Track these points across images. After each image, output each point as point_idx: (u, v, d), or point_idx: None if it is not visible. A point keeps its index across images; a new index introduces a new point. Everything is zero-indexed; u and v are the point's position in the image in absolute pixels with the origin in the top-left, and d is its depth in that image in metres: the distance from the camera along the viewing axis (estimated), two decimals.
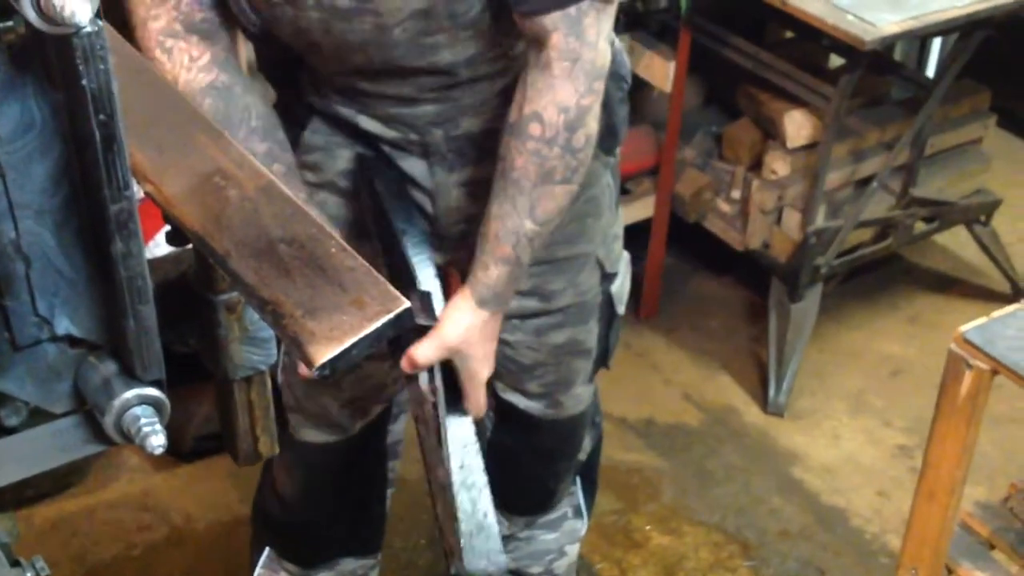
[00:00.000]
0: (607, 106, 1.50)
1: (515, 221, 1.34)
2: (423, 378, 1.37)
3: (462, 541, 1.31)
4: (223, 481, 2.37)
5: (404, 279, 1.37)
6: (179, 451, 2.38)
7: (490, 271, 1.36)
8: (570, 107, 1.31)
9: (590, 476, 1.98)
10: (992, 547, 1.62)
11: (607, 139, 1.54)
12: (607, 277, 1.66)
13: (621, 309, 1.73)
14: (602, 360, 1.76)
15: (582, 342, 1.69)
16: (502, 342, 1.61)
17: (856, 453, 2.62)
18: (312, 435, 1.66)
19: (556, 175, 1.34)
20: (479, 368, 1.41)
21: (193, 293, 0.87)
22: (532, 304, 1.61)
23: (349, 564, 1.83)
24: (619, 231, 1.69)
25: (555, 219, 1.38)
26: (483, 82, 1.41)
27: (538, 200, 1.34)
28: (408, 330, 1.31)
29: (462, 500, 1.32)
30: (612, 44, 1.49)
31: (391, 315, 0.68)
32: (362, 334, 0.66)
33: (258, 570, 1.85)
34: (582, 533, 1.98)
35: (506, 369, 1.67)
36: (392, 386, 1.68)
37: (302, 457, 1.69)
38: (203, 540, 2.28)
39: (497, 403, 1.78)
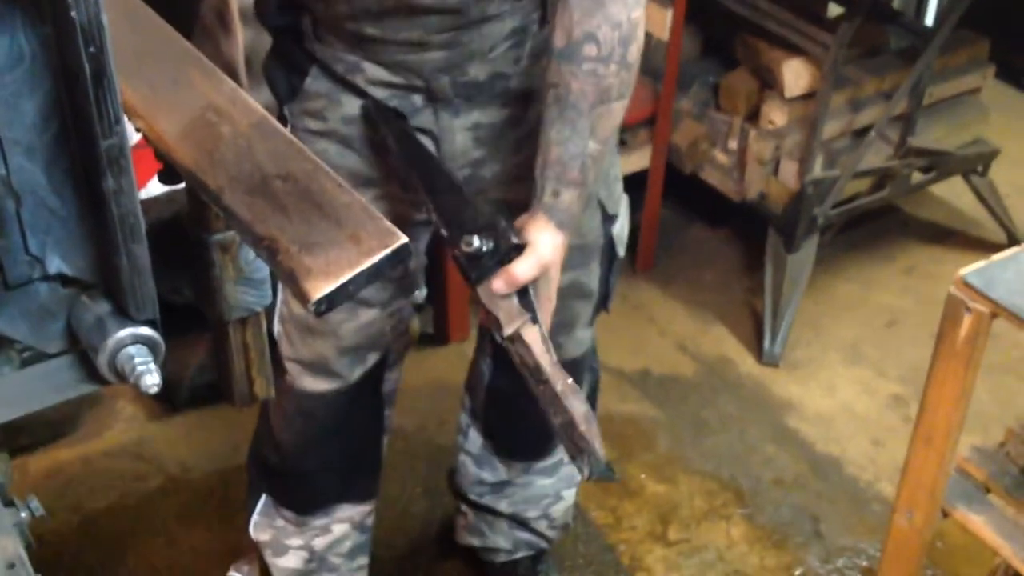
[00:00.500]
0: None
1: (578, 144, 1.33)
2: (513, 299, 1.34)
3: (595, 442, 1.31)
4: (218, 430, 2.37)
5: (467, 213, 1.36)
6: (174, 401, 2.38)
7: (562, 196, 1.34)
8: (622, 22, 1.31)
9: None
10: (988, 491, 1.62)
11: None
12: (608, 219, 1.65)
13: (621, 251, 1.73)
14: (603, 303, 1.76)
15: (584, 284, 1.69)
16: None
17: (851, 403, 2.62)
18: (310, 383, 1.66)
19: (613, 92, 1.33)
20: (554, 291, 1.39)
21: (187, 234, 0.86)
22: None
23: (346, 511, 1.84)
24: (618, 173, 1.69)
25: (614, 136, 1.38)
26: (492, 23, 1.41)
27: (598, 120, 1.33)
28: (488, 255, 1.31)
29: (580, 405, 1.33)
30: None
31: (388, 250, 0.67)
32: (359, 269, 0.66)
33: (255, 517, 1.85)
34: (579, 478, 1.98)
35: None
36: (390, 334, 1.67)
37: (299, 405, 1.69)
38: (198, 489, 2.28)
39: (495, 347, 1.77)
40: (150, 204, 0.86)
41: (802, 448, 2.50)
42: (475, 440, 1.94)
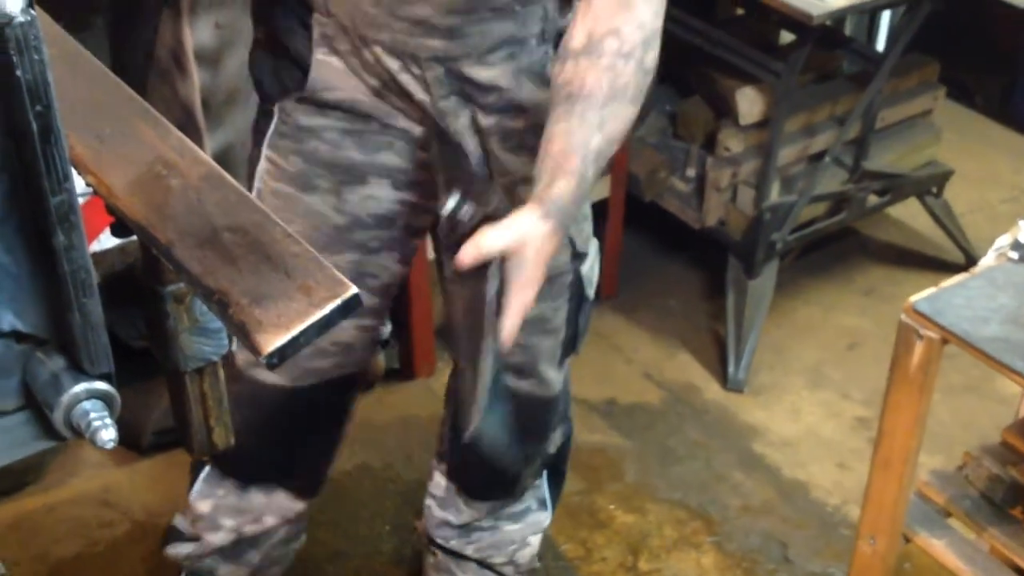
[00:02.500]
0: None
1: (584, 134, 1.27)
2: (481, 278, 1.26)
3: (476, 417, 1.28)
4: (184, 474, 2.35)
5: (466, 177, 1.37)
6: (138, 446, 2.36)
7: (555, 185, 1.25)
8: (646, 23, 1.30)
9: (558, 469, 1.98)
10: (948, 515, 1.64)
11: None
12: (577, 256, 1.65)
13: (591, 293, 1.72)
14: (571, 344, 1.75)
15: (548, 319, 1.68)
16: None
17: (816, 426, 2.64)
18: (264, 375, 1.63)
19: (629, 92, 1.30)
20: (529, 283, 1.25)
21: (140, 285, 0.86)
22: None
23: (282, 499, 1.83)
24: (588, 212, 1.69)
25: (619, 141, 1.32)
26: (493, 22, 1.40)
27: (608, 117, 1.28)
28: (465, 219, 1.26)
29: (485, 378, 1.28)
30: None
31: (339, 300, 0.67)
32: (310, 321, 0.66)
33: (197, 485, 1.84)
34: (546, 524, 1.99)
35: None
36: (361, 352, 1.67)
37: (251, 395, 1.65)
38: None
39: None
40: (103, 256, 0.86)
41: (769, 473, 2.51)
42: (439, 482, 1.94)
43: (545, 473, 1.94)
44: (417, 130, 1.53)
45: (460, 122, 1.49)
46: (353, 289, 0.68)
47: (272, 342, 0.65)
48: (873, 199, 2.94)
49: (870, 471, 1.57)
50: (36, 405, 0.81)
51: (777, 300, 2.82)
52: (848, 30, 3.40)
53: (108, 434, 0.78)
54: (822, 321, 2.94)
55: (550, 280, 1.60)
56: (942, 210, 3.05)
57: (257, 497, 1.83)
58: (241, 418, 1.72)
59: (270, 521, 1.85)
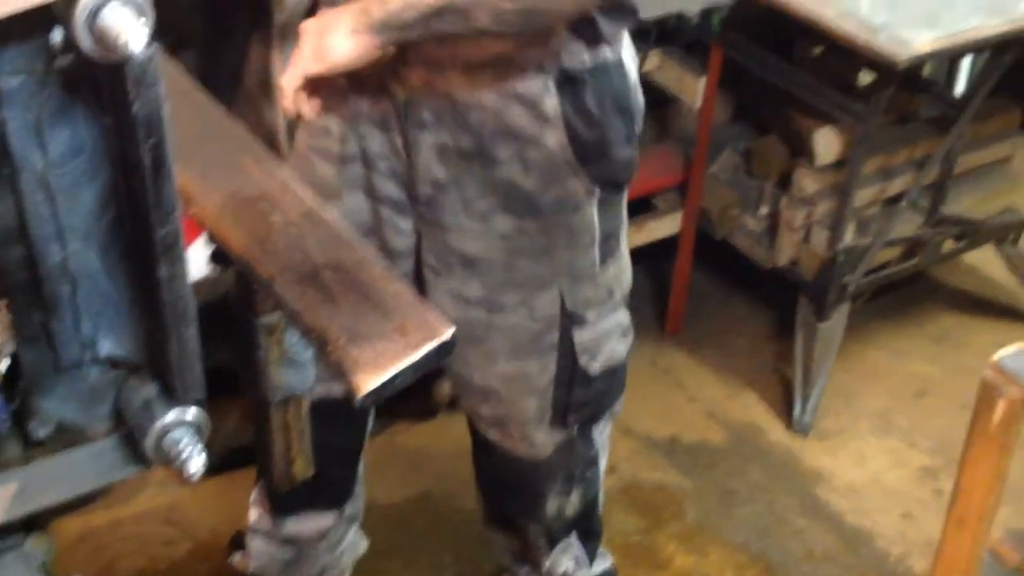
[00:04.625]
0: (604, 136, 1.48)
1: None
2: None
3: None
4: (248, 495, 2.37)
5: None
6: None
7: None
8: None
9: (589, 528, 1.90)
10: (1021, 574, 1.60)
11: (601, 169, 1.51)
12: (569, 316, 1.58)
13: (592, 367, 1.63)
14: (561, 416, 1.67)
15: (531, 378, 1.62)
16: (459, 361, 1.61)
17: (881, 474, 2.59)
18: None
19: None
20: (300, 55, 1.33)
21: (233, 315, 0.87)
22: (479, 315, 1.57)
23: (311, 518, 1.86)
24: (599, 278, 1.60)
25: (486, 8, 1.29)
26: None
27: None
28: None
29: None
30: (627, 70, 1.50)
31: (435, 342, 0.67)
32: (406, 362, 0.66)
33: (256, 488, 1.92)
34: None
35: (464, 389, 1.68)
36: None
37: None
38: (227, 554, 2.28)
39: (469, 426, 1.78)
40: (199, 285, 0.87)
41: (832, 520, 2.47)
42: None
43: (574, 534, 1.87)
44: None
45: (424, 144, 1.46)
46: (450, 330, 0.68)
47: (369, 383, 0.66)
48: (949, 244, 2.89)
49: (944, 528, 1.53)
50: (125, 430, 0.83)
51: (846, 343, 2.78)
52: (927, 72, 3.36)
53: (196, 464, 0.79)
54: (891, 367, 2.89)
55: (530, 331, 1.58)
56: (1018, 258, 3.00)
57: (290, 523, 1.86)
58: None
59: (308, 534, 1.88)
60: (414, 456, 2.50)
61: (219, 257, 0.80)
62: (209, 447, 2.31)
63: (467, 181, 1.49)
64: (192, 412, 0.79)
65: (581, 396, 1.66)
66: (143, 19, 0.62)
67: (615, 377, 1.69)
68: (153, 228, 0.70)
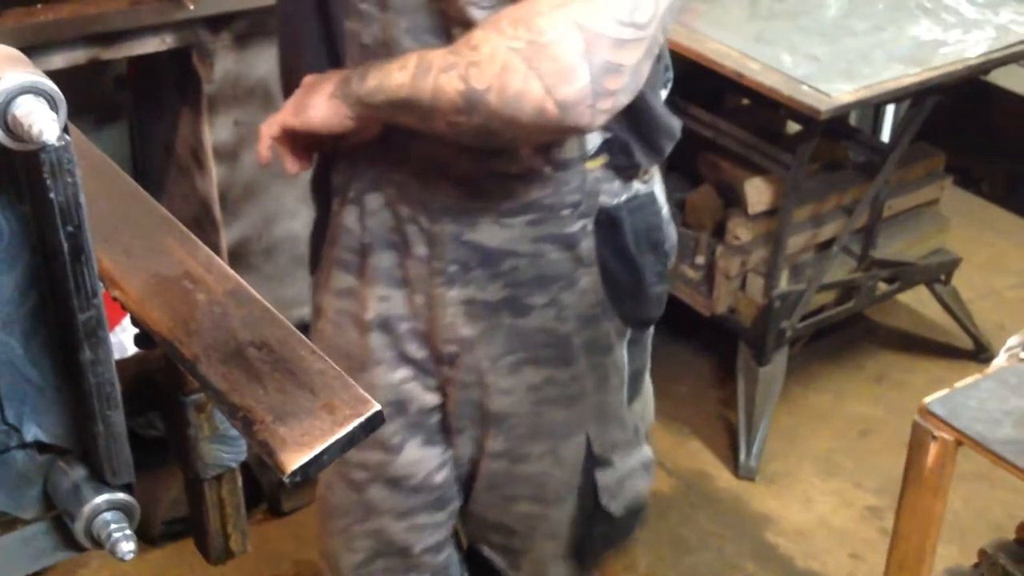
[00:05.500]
0: (638, 275, 1.39)
1: (424, 74, 1.16)
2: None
3: None
4: (194, 565, 2.34)
5: None
6: (148, 535, 2.35)
7: (362, 69, 1.23)
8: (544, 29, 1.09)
9: None
10: None
11: (634, 308, 1.42)
12: (594, 459, 1.49)
13: (614, 507, 1.54)
14: (578, 553, 1.59)
15: (551, 521, 1.55)
16: (472, 502, 1.53)
17: (828, 515, 2.62)
18: None
19: (497, 60, 1.11)
20: (289, 100, 1.31)
21: (161, 393, 0.87)
22: (500, 466, 1.49)
23: None
24: (626, 418, 1.52)
25: (446, 102, 1.16)
26: (517, 183, 1.31)
27: (466, 71, 1.13)
28: None
29: None
30: (655, 200, 1.40)
31: (362, 418, 0.68)
32: (333, 439, 0.67)
33: None
34: None
35: (474, 520, 1.59)
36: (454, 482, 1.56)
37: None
38: None
39: (468, 553, 1.67)
40: (124, 364, 0.87)
41: (782, 563, 2.48)
42: None
43: None
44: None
45: (450, 302, 1.37)
46: (376, 407, 0.68)
47: (295, 460, 0.66)
48: (882, 287, 2.95)
49: (885, 570, 1.55)
50: (55, 515, 0.82)
51: (788, 387, 2.82)
52: (854, 120, 3.44)
53: (128, 546, 0.78)
54: (833, 408, 2.93)
55: (556, 483, 1.49)
56: (951, 297, 3.06)
57: None
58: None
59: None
60: None
61: (143, 340, 0.80)
62: (152, 518, 2.28)
63: (495, 336, 1.39)
64: (121, 495, 0.78)
65: (601, 534, 1.59)
66: (56, 110, 0.63)
67: (636, 514, 1.62)
68: (75, 313, 0.70)
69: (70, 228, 0.68)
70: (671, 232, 1.46)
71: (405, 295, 1.40)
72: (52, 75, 0.65)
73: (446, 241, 1.33)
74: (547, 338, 1.39)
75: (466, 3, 1.18)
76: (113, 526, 0.78)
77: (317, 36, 1.31)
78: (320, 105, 1.25)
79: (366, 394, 0.68)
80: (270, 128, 1.31)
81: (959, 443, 1.36)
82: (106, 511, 0.78)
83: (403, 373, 1.46)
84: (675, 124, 1.38)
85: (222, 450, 0.88)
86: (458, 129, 1.17)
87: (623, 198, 1.35)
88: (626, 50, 1.09)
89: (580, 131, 1.18)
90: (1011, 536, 1.66)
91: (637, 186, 1.37)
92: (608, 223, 1.35)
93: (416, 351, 1.44)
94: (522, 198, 1.30)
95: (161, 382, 0.87)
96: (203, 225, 2.05)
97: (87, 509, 0.78)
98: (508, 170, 1.29)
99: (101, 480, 0.79)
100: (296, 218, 2.19)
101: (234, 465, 0.90)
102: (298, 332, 0.73)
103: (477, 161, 1.28)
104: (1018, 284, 3.42)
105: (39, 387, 0.76)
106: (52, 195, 0.66)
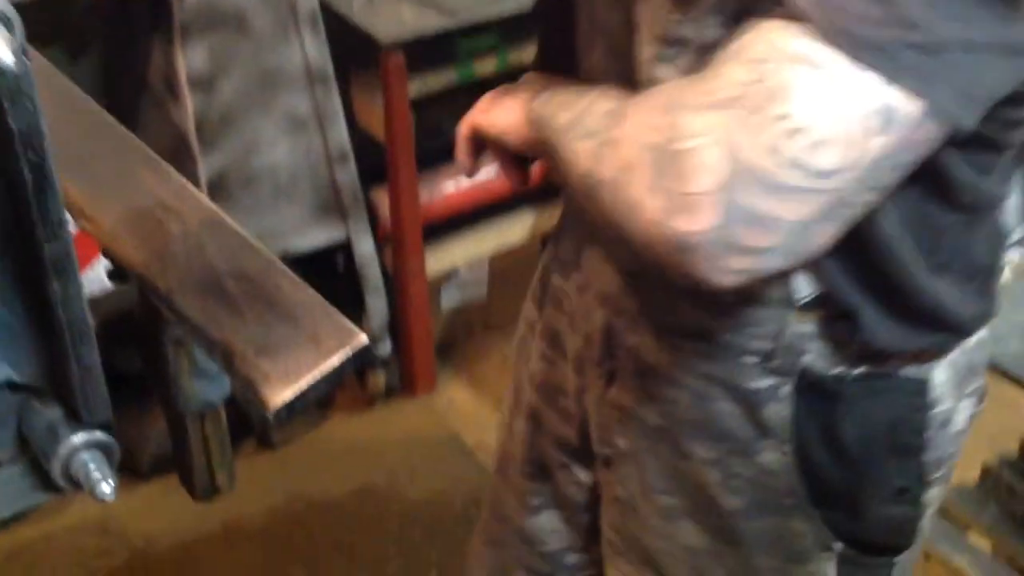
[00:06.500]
0: (858, 482, 1.01)
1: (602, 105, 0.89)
2: None
3: None
4: (183, 499, 2.32)
5: None
6: (137, 470, 2.34)
7: (555, 106, 0.96)
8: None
9: None
10: (967, 528, 1.62)
11: (846, 521, 1.04)
12: None
13: None
14: None
15: None
16: None
17: None
18: None
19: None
20: (469, 120, 1.10)
21: (138, 329, 0.84)
22: None
23: None
24: None
25: (581, 167, 0.88)
26: (686, 304, 1.00)
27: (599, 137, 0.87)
28: None
29: None
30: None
31: (349, 350, 0.65)
32: (319, 372, 0.63)
33: None
34: None
35: None
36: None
37: None
38: (166, 561, 2.23)
39: None
40: (100, 301, 0.84)
41: None
42: None
43: None
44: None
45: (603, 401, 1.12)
46: (362, 336, 0.65)
47: (281, 396, 0.63)
48: None
49: None
50: (33, 456, 0.79)
51: None
52: None
53: (107, 487, 0.75)
54: None
55: None
56: None
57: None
58: None
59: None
60: (352, 448, 2.48)
61: (117, 274, 0.77)
62: (140, 453, 2.26)
63: (649, 463, 1.09)
64: (99, 434, 0.76)
65: None
66: (11, 31, 0.59)
67: None
68: (41, 245, 0.67)
69: (32, 156, 0.64)
70: (943, 442, 1.03)
71: (566, 368, 1.19)
72: (19, 6, 0.61)
73: (602, 332, 1.09)
74: (710, 501, 1.06)
75: (649, 44, 0.89)
76: (91, 466, 0.75)
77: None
78: (507, 108, 1.04)
79: (351, 324, 0.65)
80: (463, 126, 1.10)
81: None
82: (83, 451, 0.75)
83: (549, 447, 1.27)
84: (973, 310, 0.98)
85: (204, 386, 0.86)
86: (577, 183, 0.90)
87: (856, 370, 0.97)
88: (787, 201, 0.76)
89: (699, 284, 0.81)
90: (1012, 449, 1.65)
91: (894, 364, 0.98)
92: (818, 395, 0.98)
93: (565, 431, 1.22)
94: (691, 319, 1.00)
95: (138, 317, 0.84)
96: (180, 157, 1.99)
97: (63, 449, 0.75)
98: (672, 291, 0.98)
99: (77, 419, 0.76)
100: (276, 148, 2.14)
101: (217, 402, 0.88)
102: (278, 262, 0.70)
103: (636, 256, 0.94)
104: None
105: (8, 325, 0.73)
106: (11, 122, 0.63)
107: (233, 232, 0.71)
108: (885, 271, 0.90)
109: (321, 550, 2.19)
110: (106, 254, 0.76)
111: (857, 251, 0.88)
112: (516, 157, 1.10)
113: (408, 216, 2.35)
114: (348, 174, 2.24)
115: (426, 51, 2.24)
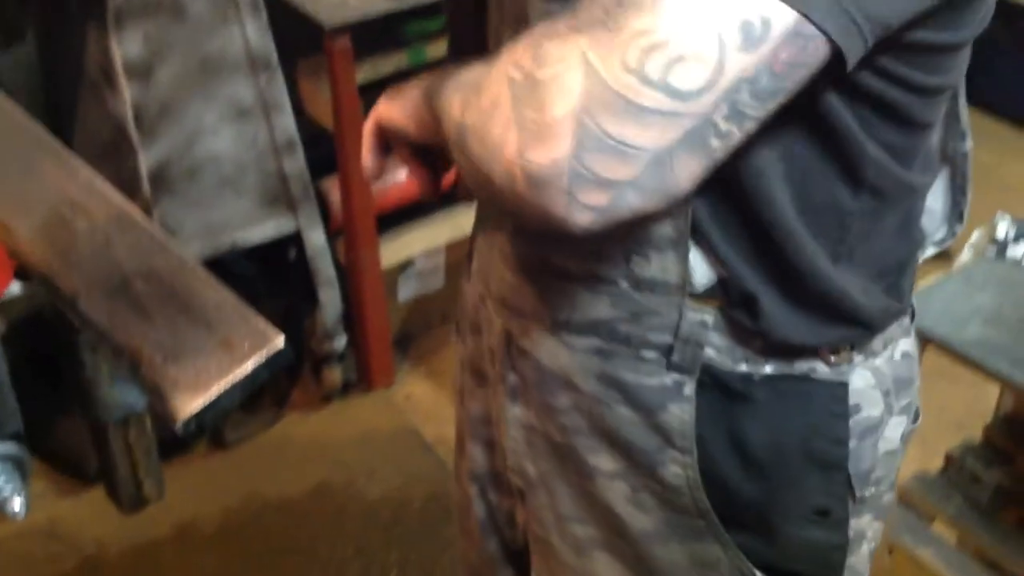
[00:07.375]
0: (770, 497, 0.92)
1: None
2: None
3: None
4: None
5: None
6: (84, 474, 2.27)
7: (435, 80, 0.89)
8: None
9: None
10: (932, 519, 1.60)
11: (760, 544, 0.94)
12: None
13: None
14: None
15: None
16: None
17: None
18: None
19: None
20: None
21: (52, 333, 0.79)
22: None
23: None
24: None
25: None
26: (583, 291, 0.94)
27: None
28: None
29: None
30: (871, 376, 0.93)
31: (264, 352, 0.60)
32: (231, 378, 0.59)
33: None
34: None
35: None
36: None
37: None
38: (117, 567, 2.17)
39: None
40: (9, 304, 0.78)
41: None
42: None
43: None
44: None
45: (511, 421, 1.04)
46: (279, 338, 0.61)
47: (189, 405, 0.58)
48: None
49: None
50: None
51: None
52: None
53: (18, 503, 0.71)
54: None
55: None
56: None
57: None
58: None
59: None
60: (309, 446, 2.43)
61: (22, 273, 0.72)
62: (87, 456, 2.19)
63: (558, 489, 1.01)
64: (8, 446, 0.71)
65: None
66: None
67: None
68: None
69: None
70: (868, 456, 0.93)
71: (481, 392, 1.12)
72: None
73: (501, 340, 1.01)
74: (621, 527, 0.97)
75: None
76: (1, 479, 0.71)
77: None
78: (410, 97, 0.94)
79: (269, 326, 0.60)
80: (367, 123, 0.99)
81: (925, 344, 1.31)
82: None
83: (476, 479, 1.18)
84: (882, 303, 0.91)
85: (125, 392, 0.81)
86: (452, 132, 0.82)
87: (766, 369, 0.89)
88: (645, 126, 0.69)
89: (556, 226, 0.74)
90: (975, 436, 1.63)
91: (810, 364, 0.90)
92: (722, 395, 0.90)
93: (484, 461, 1.15)
94: (586, 312, 0.92)
95: (52, 320, 0.79)
96: (119, 148, 1.93)
97: None
98: (566, 267, 0.91)
99: None
100: (219, 137, 2.08)
101: (140, 408, 0.83)
102: (192, 261, 0.65)
103: (529, 245, 0.94)
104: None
105: None
106: None
107: (143, 229, 0.66)
108: (784, 255, 0.84)
109: (278, 552, 2.14)
110: (10, 254, 0.71)
111: (755, 234, 0.84)
112: (425, 161, 1.00)
113: (360, 206, 2.30)
114: (296, 164, 2.18)
115: (374, 35, 2.19)
